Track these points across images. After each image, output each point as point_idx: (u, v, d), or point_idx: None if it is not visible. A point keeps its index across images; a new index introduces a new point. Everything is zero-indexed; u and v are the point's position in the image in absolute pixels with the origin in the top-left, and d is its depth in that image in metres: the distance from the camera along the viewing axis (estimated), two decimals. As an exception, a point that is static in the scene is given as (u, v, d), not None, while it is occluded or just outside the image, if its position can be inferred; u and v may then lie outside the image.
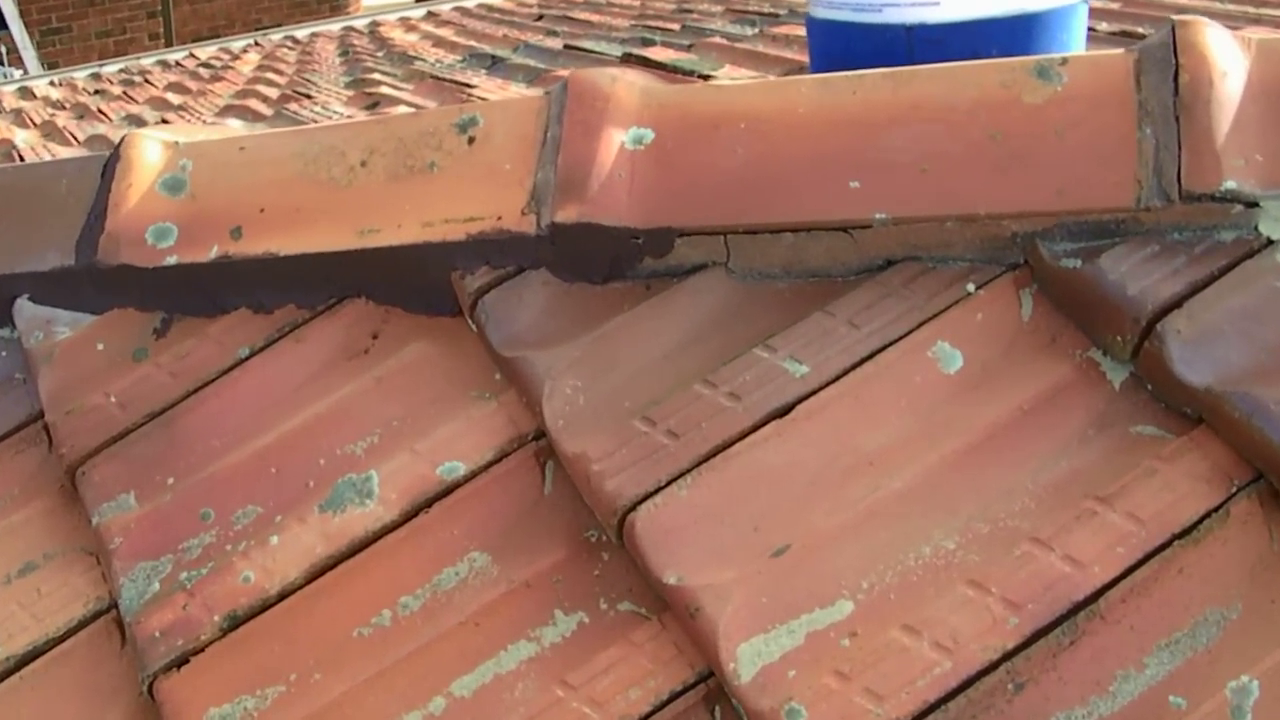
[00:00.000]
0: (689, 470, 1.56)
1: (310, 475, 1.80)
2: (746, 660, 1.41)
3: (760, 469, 1.57)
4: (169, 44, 13.40)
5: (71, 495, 1.96)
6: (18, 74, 12.06)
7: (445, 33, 8.33)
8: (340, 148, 1.98)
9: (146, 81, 8.03)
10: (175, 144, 2.12)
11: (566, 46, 6.30)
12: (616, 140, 1.82)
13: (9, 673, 1.79)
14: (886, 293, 1.68)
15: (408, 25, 9.14)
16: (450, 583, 1.66)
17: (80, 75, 8.98)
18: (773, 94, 1.81)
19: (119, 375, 2.02)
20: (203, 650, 1.67)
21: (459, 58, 6.79)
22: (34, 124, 7.04)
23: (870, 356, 1.64)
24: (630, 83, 1.88)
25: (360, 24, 9.69)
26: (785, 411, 1.59)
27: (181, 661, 1.67)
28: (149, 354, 2.03)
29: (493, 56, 6.44)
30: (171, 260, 2.00)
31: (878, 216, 1.67)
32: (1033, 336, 1.63)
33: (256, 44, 9.42)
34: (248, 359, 1.98)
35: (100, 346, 2.06)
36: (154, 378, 2.00)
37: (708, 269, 1.77)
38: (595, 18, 7.13)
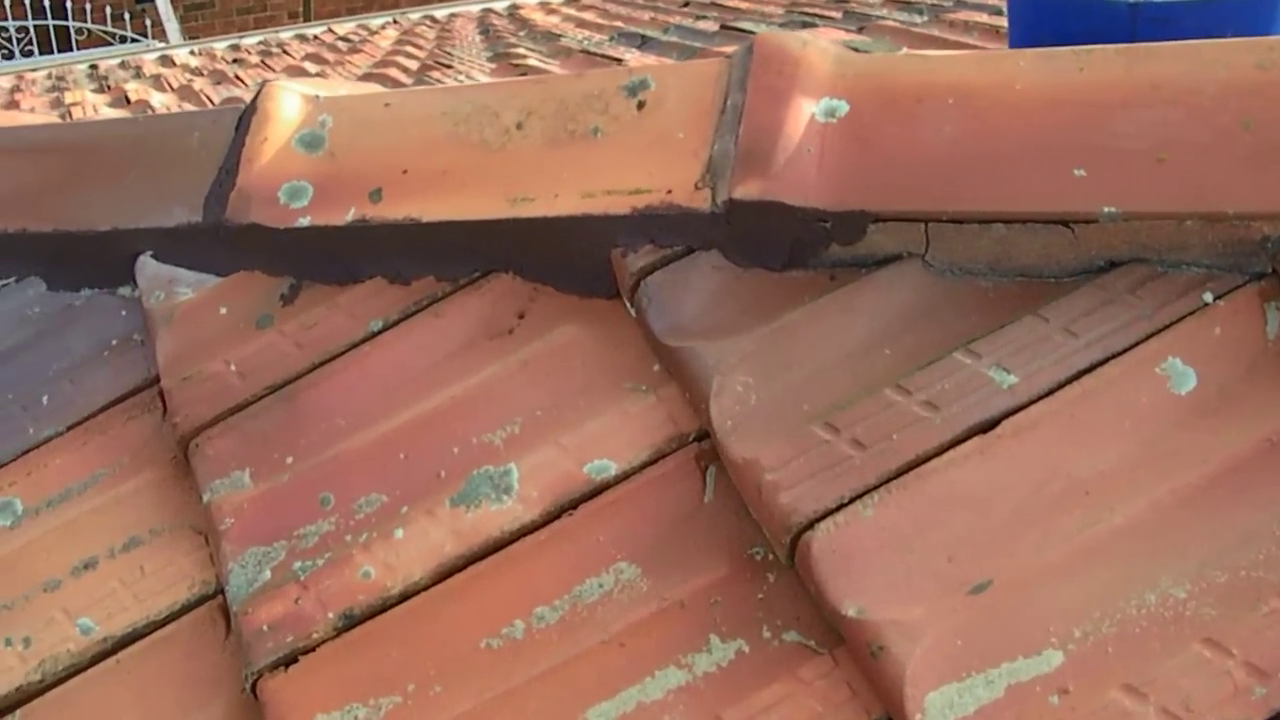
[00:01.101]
0: (876, 487, 1.41)
1: (442, 464, 1.66)
2: (936, 711, 1.24)
3: (958, 491, 1.39)
4: (308, 21, 13.49)
5: (183, 467, 1.85)
6: (159, 45, 12.19)
7: (588, 15, 8.21)
8: (494, 108, 1.82)
9: (284, 53, 8.02)
10: (315, 98, 1.98)
11: (723, 27, 6.08)
12: (806, 111, 1.64)
13: (106, 654, 1.70)
14: (1109, 298, 1.49)
15: (548, 8, 9.04)
16: (593, 595, 1.51)
17: (220, 46, 9.01)
18: (986, 67, 1.62)
19: (241, 342, 1.91)
20: (314, 650, 1.56)
21: (606, 37, 6.62)
22: (171, 88, 7.03)
23: (1089, 370, 1.45)
24: (823, 48, 1.70)
25: (499, 6, 9.59)
26: (989, 427, 1.43)
27: (290, 660, 1.55)
28: (274, 321, 1.89)
29: (642, 36, 6.26)
30: (304, 221, 1.86)
31: (1106, 210, 1.48)
32: (1280, 358, 1.41)
33: (395, 21, 9.36)
34: (380, 333, 1.84)
35: (223, 310, 1.93)
36: (278, 347, 1.86)
37: (902, 260, 1.61)
38: (744, 5, 6.92)
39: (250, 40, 8.90)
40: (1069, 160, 1.54)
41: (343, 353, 1.85)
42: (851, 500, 1.40)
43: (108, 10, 13.92)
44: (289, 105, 1.98)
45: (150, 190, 2.08)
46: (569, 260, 1.77)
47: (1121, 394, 1.43)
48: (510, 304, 1.82)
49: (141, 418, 1.97)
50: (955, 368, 1.47)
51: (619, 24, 7.18)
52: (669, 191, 1.68)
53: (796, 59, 1.69)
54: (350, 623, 1.55)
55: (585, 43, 6.38)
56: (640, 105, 1.76)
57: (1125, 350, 1.45)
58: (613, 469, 1.59)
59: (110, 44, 12.74)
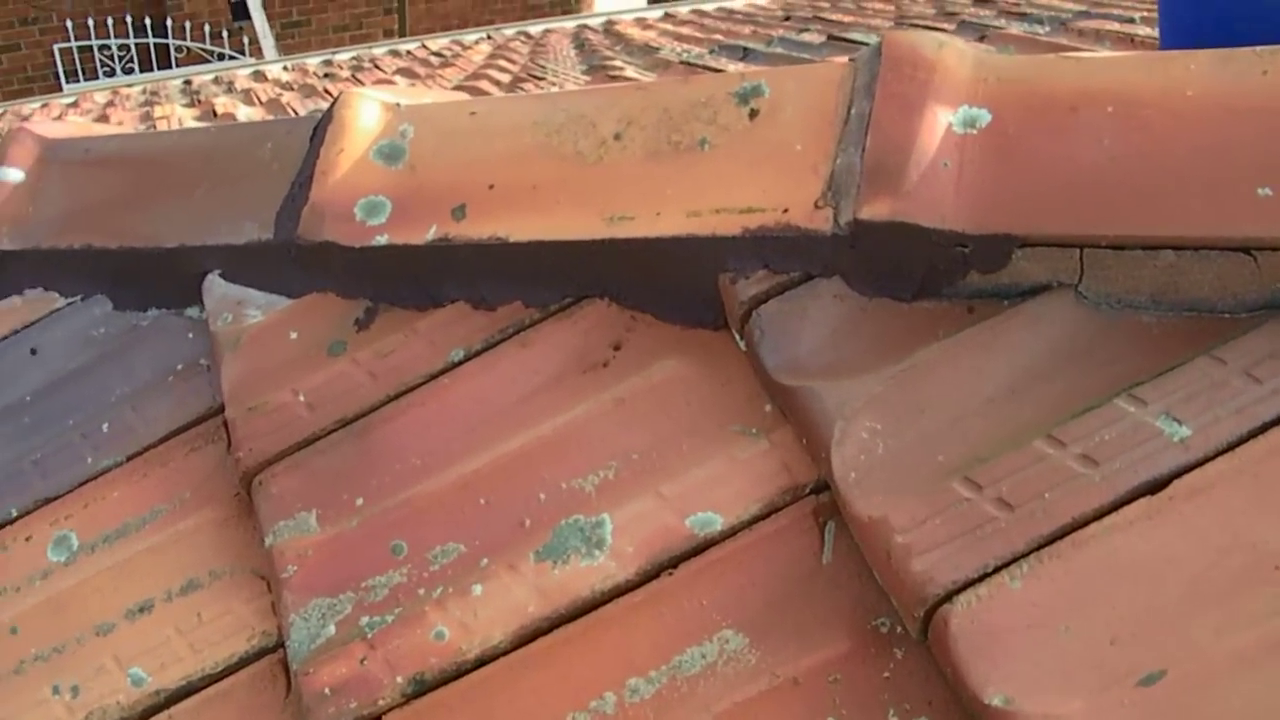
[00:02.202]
0: (1025, 555, 1.24)
1: (527, 512, 1.53)
2: (1096, 825, 1.08)
3: (1122, 561, 1.22)
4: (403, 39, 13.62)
5: (246, 505, 1.75)
6: (254, 62, 12.30)
7: (685, 30, 8.10)
8: (590, 117, 1.67)
9: (376, 67, 7.97)
10: (396, 106, 1.84)
11: (830, 38, 5.89)
12: (943, 121, 1.48)
13: (157, 709, 1.60)
14: None
15: (644, 24, 8.94)
16: (694, 667, 1.36)
17: (313, 61, 9.01)
18: (1152, 71, 1.44)
19: (311, 370, 1.79)
20: (379, 718, 1.42)
21: (705, 50, 6.46)
22: (259, 102, 7.00)
23: (1276, 422, 1.27)
24: (961, 50, 1.54)
25: (594, 22, 9.51)
26: (1159, 487, 1.25)
27: (354, 730, 1.42)
28: (347, 348, 1.76)
29: (744, 49, 6.09)
30: (382, 240, 1.72)
31: None
32: None
33: (489, 37, 9.31)
34: (461, 363, 1.70)
35: (293, 335, 1.80)
36: (351, 376, 1.73)
37: (1052, 291, 1.45)
38: (848, 18, 6.73)
39: (343, 56, 8.89)
40: (1252, 177, 1.37)
41: (420, 384, 1.72)
42: (997, 569, 1.23)
43: (206, 29, 14.08)
44: (368, 114, 1.84)
45: (220, 205, 1.96)
46: (671, 286, 1.62)
47: None
48: (605, 334, 1.67)
49: (205, 449, 1.86)
50: (1117, 416, 1.30)
51: (718, 38, 7.03)
52: (785, 211, 1.52)
53: (931, 62, 1.52)
54: (420, 689, 1.42)
55: (685, 55, 6.22)
56: (753, 114, 1.59)
57: None
58: (718, 523, 1.44)
59: (208, 61, 12.86)
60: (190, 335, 2.00)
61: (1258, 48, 1.43)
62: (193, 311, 2.02)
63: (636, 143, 1.64)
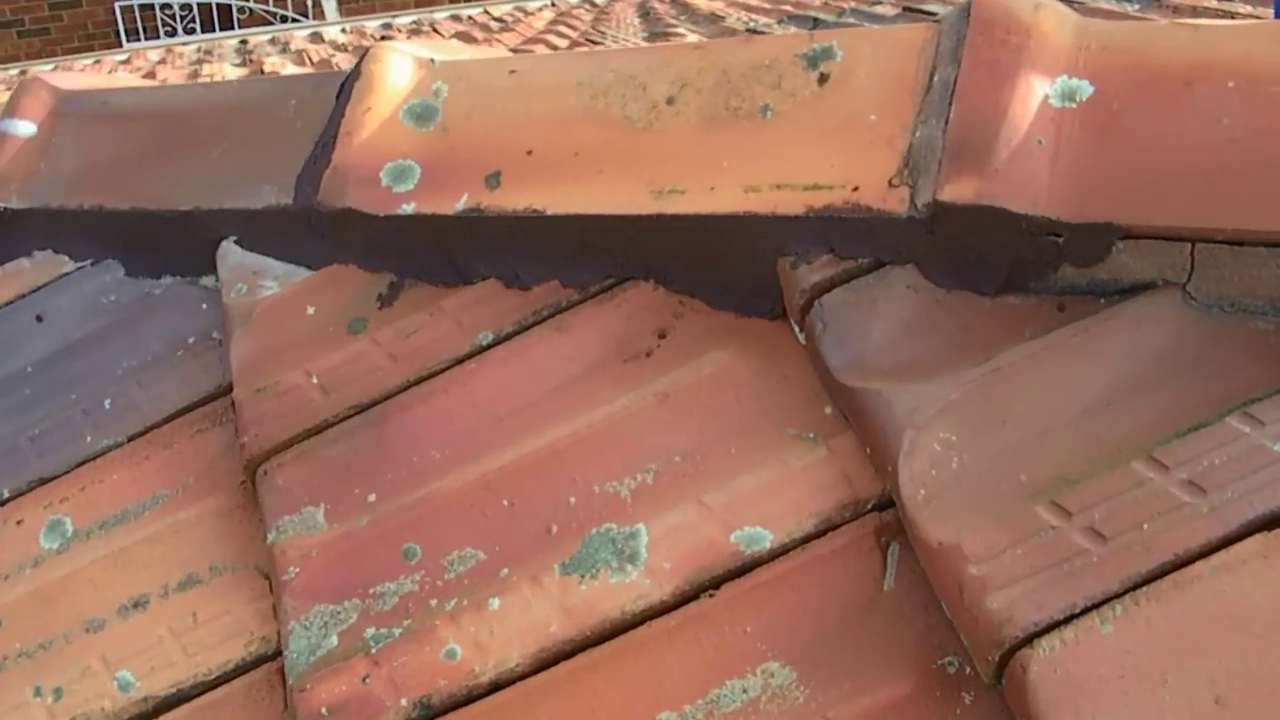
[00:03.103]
0: (1120, 595, 1.10)
1: (555, 518, 1.44)
2: None
3: (1232, 607, 1.08)
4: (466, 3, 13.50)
5: (253, 495, 1.66)
6: (314, 23, 12.28)
7: (753, 0, 7.89)
8: (641, 78, 1.55)
9: (434, 30, 7.87)
10: (430, 62, 1.73)
11: (905, 9, 5.71)
12: (1038, 92, 1.35)
13: (144, 718, 1.51)
14: None
15: (713, -6, 8.77)
16: (734, 702, 1.24)
17: (372, 24, 8.93)
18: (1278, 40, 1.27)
19: (327, 349, 1.71)
20: None
21: (774, 20, 6.30)
22: (311, 62, 6.91)
23: None
24: (1061, 14, 1.42)
25: (662, -9, 9.36)
26: (1277, 521, 1.11)
27: (350, 758, 1.34)
28: (368, 326, 1.66)
29: (814, 19, 5.93)
30: (408, 208, 1.62)
31: None
32: None
33: (553, 3, 9.20)
34: (490, 347, 1.61)
35: (310, 310, 1.70)
36: (369, 357, 1.63)
37: (1156, 290, 1.32)
38: (920, -8, 6.55)
39: (404, 20, 8.81)
40: None
41: (444, 369, 1.62)
42: (1086, 610, 1.10)
43: (271, -10, 14.06)
44: (399, 70, 1.73)
45: (239, 166, 1.87)
46: (725, 269, 1.52)
47: None
48: (650, 320, 1.57)
49: (211, 431, 1.78)
50: (1229, 437, 1.16)
51: (787, 8, 6.87)
52: (855, 189, 1.41)
53: (1026, 25, 1.39)
54: (427, 714, 1.32)
55: (751, 24, 6.07)
56: (822, 79, 1.47)
57: None
58: (767, 540, 1.33)
59: (271, 22, 12.83)
60: (204, 306, 1.92)
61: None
62: (209, 280, 1.94)
63: (691, 108, 1.52)
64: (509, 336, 1.59)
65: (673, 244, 1.50)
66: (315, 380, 1.62)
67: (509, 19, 8.31)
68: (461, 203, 1.60)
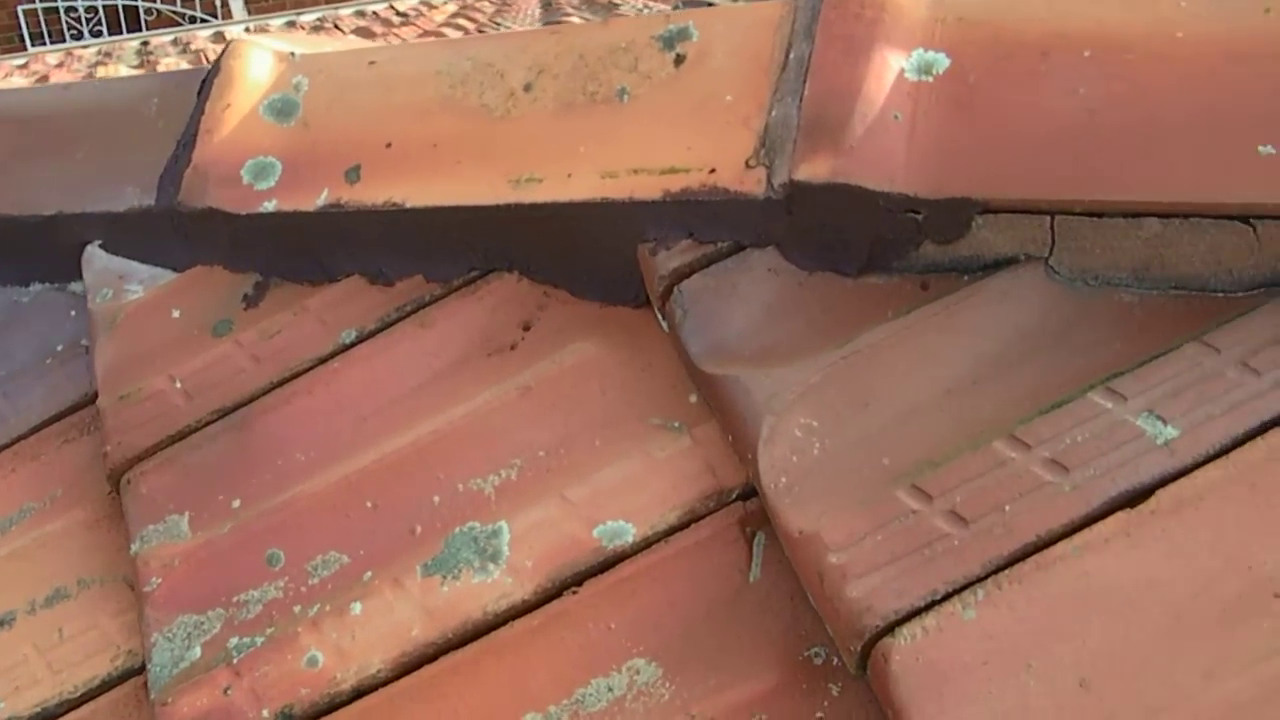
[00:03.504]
0: (981, 579, 1.06)
1: (419, 518, 1.37)
2: None
3: (1095, 587, 1.04)
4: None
5: (120, 504, 1.57)
6: (218, 23, 12.02)
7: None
8: (498, 65, 1.48)
9: (336, 27, 7.71)
10: (290, 56, 1.66)
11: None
12: (894, 67, 1.31)
13: None
14: None
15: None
16: (600, 701, 1.19)
17: (276, 22, 8.73)
18: (1137, 9, 1.27)
19: (191, 353, 1.65)
20: None
21: (673, 6, 6.21)
22: (207, 63, 6.73)
23: (1277, 422, 1.09)
24: None
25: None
26: (1139, 498, 1.07)
27: (211, 773, 1.29)
28: (233, 328, 1.61)
29: (710, 4, 5.84)
30: (270, 206, 1.57)
31: None
32: None
33: (461, -3, 9.04)
34: (353, 345, 1.55)
35: (175, 313, 1.64)
36: (233, 360, 1.57)
37: (1019, 265, 1.28)
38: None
39: (308, 17, 8.61)
40: (1252, 134, 1.20)
41: (308, 370, 1.56)
42: (948, 596, 1.06)
43: (177, -10, 13.76)
44: (259, 65, 1.66)
45: (101, 168, 1.80)
46: (586, 258, 1.47)
47: None
48: (514, 312, 1.50)
49: (79, 441, 1.71)
50: (1091, 413, 1.12)
51: (693, -4, 6.78)
52: (712, 171, 1.35)
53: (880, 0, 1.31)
54: None
55: (648, 11, 5.98)
56: (679, 60, 1.41)
57: None
58: (630, 534, 1.28)
59: (179, 24, 12.57)
60: (73, 313, 1.84)
61: (1260, -19, 1.23)
62: (77, 286, 1.86)
63: (548, 94, 1.46)
64: (372, 334, 1.53)
65: (532, 234, 1.44)
66: (179, 385, 1.55)
67: (412, 13, 8.16)
68: (322, 198, 1.52)
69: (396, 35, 6.71)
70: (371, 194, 1.51)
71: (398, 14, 7.93)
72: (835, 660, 1.13)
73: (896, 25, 1.33)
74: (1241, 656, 0.98)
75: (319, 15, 8.38)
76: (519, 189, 1.42)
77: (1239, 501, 1.06)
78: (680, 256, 1.36)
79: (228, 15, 12.57)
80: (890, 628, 1.04)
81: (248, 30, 8.06)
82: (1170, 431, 1.09)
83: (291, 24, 8.14)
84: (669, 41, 1.43)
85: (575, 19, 6.22)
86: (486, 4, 8.14)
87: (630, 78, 1.42)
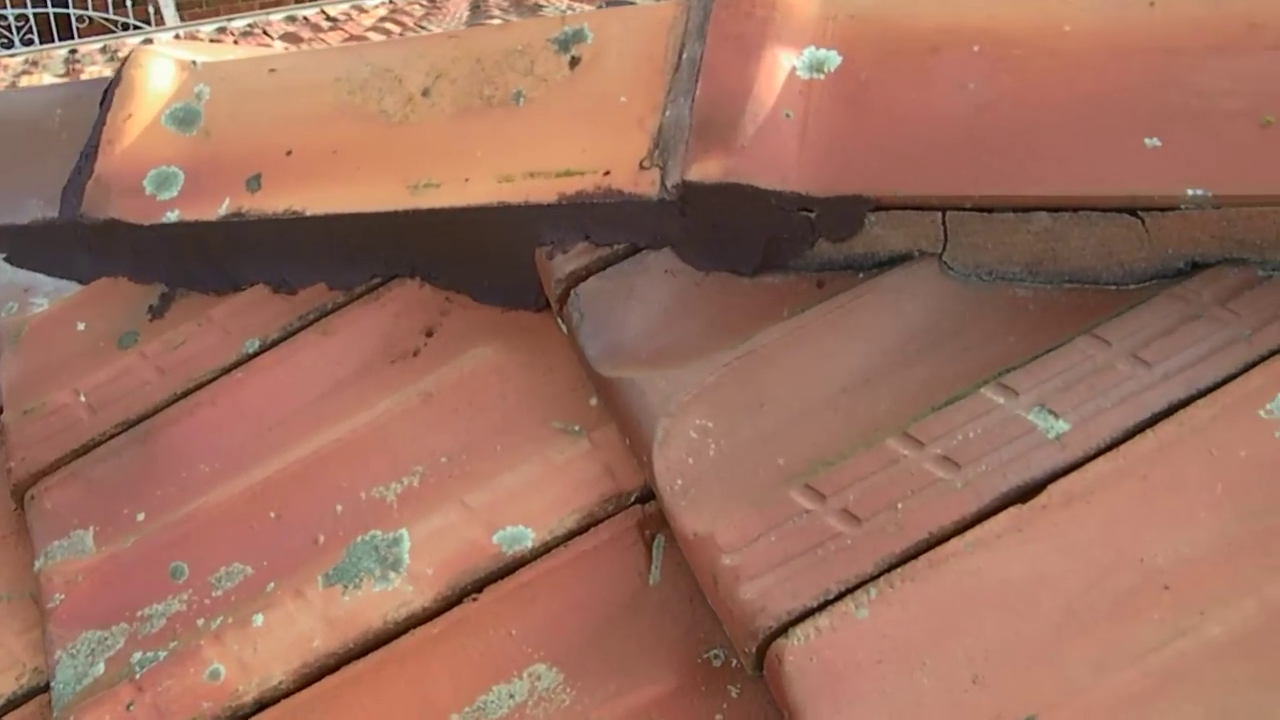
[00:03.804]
0: (874, 577, 1.04)
1: (322, 527, 1.34)
2: None
3: (988, 583, 1.02)
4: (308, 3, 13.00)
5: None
6: (149, 30, 11.78)
7: (593, -10, 7.79)
8: (397, 70, 1.45)
9: (264, 33, 7.58)
10: (192, 64, 1.61)
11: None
12: (785, 65, 1.28)
13: None
14: (1193, 312, 1.12)
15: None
16: (501, 708, 1.16)
17: (207, 29, 8.55)
18: (1024, 4, 1.26)
19: (96, 366, 1.61)
20: None
21: (596, 6, 6.16)
22: (132, 72, 6.62)
23: (1167, 413, 1.08)
24: None
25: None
26: (1030, 493, 1.06)
27: (114, 791, 1.25)
28: (138, 339, 1.57)
29: (632, 3, 5.80)
30: (173, 216, 1.53)
31: (1190, 193, 1.11)
32: None
33: (391, 1, 8.88)
34: (257, 355, 1.51)
35: (81, 326, 1.60)
36: (138, 372, 1.53)
37: (913, 261, 1.26)
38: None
39: (239, 23, 8.44)
40: (1138, 126, 1.18)
41: (211, 380, 1.53)
42: (840, 596, 1.03)
43: (109, -2, 13.51)
44: (160, 74, 1.62)
45: (6, 180, 1.78)
46: (486, 262, 1.43)
47: (1213, 446, 1.06)
48: (417, 318, 1.47)
49: None
50: (983, 409, 1.10)
51: (621, -2, 6.73)
52: (606, 173, 1.32)
53: (771, -1, 1.29)
54: None
55: (569, 13, 5.95)
56: (574, 62, 1.38)
57: (1217, 385, 1.09)
58: (530, 539, 1.25)
59: (112, 32, 12.36)
60: (-20, 328, 1.76)
61: (1146, -24, 1.22)
62: (-18, 301, 1.79)
63: (446, 98, 1.43)
64: (275, 343, 1.49)
65: (432, 240, 1.41)
66: (83, 399, 1.51)
67: (342, 18, 8.04)
68: (224, 208, 1.49)
69: (323, 40, 6.61)
70: (272, 202, 1.47)
71: (328, 19, 7.81)
72: (734, 662, 1.11)
73: (788, 23, 1.31)
74: (1132, 648, 0.97)
75: (249, 21, 8.25)
76: (417, 194, 1.38)
77: (1130, 494, 1.04)
78: (577, 259, 1.33)
79: (160, 22, 12.34)
80: (784, 628, 1.02)
81: (178, 37, 7.92)
82: (1061, 425, 1.07)
83: (223, 30, 8.01)
84: (564, 44, 1.40)
85: (498, 20, 6.16)
86: (417, 7, 8.04)
87: (526, 81, 1.39)
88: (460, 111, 1.41)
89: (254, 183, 1.48)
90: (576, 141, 1.35)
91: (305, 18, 7.93)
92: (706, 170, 1.24)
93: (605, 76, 1.37)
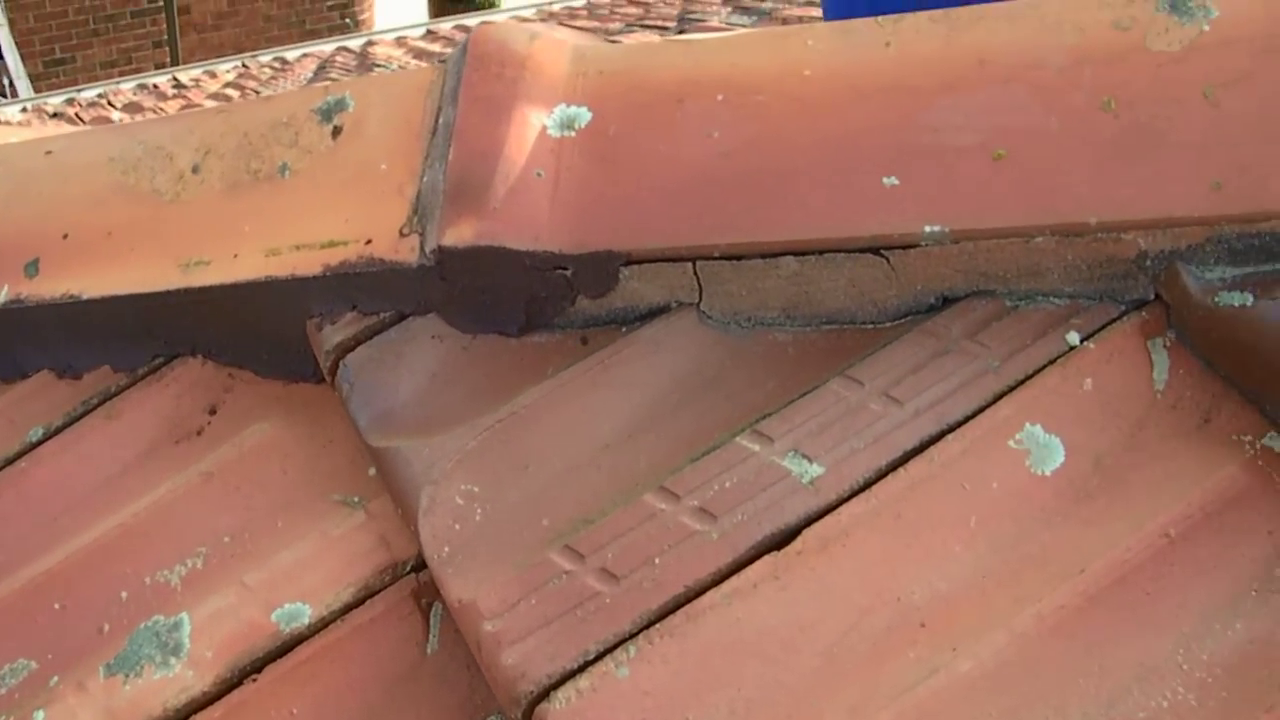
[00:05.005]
0: (632, 635, 0.99)
1: (106, 616, 1.24)
2: None
3: (746, 633, 0.98)
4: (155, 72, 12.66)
5: None
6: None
7: (436, 47, 7.69)
8: (168, 148, 1.38)
9: (108, 104, 7.38)
10: (-30, 149, 1.50)
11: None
12: (535, 124, 1.22)
13: None
14: (943, 347, 1.09)
15: (401, 43, 8.43)
16: None
17: (55, 100, 8.28)
18: (766, 50, 1.21)
19: None
20: None
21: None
22: (-26, 143, 6.41)
23: (919, 449, 1.05)
24: (558, 41, 1.29)
25: (356, 44, 8.93)
26: (786, 540, 1.01)
27: None
28: None
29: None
30: None
31: (928, 230, 1.07)
32: (1173, 414, 1.04)
33: (244, 65, 8.69)
34: (41, 443, 1.42)
35: None
36: None
37: (671, 313, 1.21)
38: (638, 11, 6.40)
39: (90, 93, 8.19)
40: (877, 167, 1.14)
41: None
42: (600, 656, 0.98)
43: (-39, 70, 13.11)
44: (-62, 161, 1.52)
45: None
46: (262, 337, 1.35)
47: (964, 480, 1.03)
48: (200, 396, 1.39)
49: None
50: (738, 457, 1.06)
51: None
52: (369, 242, 1.25)
53: (521, 57, 1.26)
54: None
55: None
56: (336, 131, 1.32)
57: (967, 419, 1.06)
58: (307, 615, 1.17)
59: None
60: None
61: (881, 18, 1.20)
62: None
63: (214, 174, 1.36)
64: (59, 430, 1.40)
65: (206, 317, 1.33)
66: None
67: (190, 84, 7.83)
68: (3, 295, 1.40)
69: (162, 109, 6.44)
70: (50, 287, 1.38)
71: (175, 85, 7.62)
72: (513, 727, 1.06)
73: (538, 82, 1.25)
74: (889, 689, 0.93)
75: (99, 91, 8.02)
76: (188, 273, 1.30)
77: (885, 533, 1.01)
78: (344, 329, 1.26)
79: (14, 94, 12.00)
80: (545, 692, 0.96)
81: (24, 110, 7.69)
82: (815, 469, 1.03)
83: (70, 101, 7.77)
84: (327, 113, 1.34)
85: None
86: (266, 70, 7.88)
87: (291, 153, 1.33)
88: (229, 187, 1.34)
89: (31, 268, 1.40)
90: (340, 212, 1.27)
91: (155, 85, 7.73)
92: (460, 234, 1.18)
93: (366, 145, 1.31)
